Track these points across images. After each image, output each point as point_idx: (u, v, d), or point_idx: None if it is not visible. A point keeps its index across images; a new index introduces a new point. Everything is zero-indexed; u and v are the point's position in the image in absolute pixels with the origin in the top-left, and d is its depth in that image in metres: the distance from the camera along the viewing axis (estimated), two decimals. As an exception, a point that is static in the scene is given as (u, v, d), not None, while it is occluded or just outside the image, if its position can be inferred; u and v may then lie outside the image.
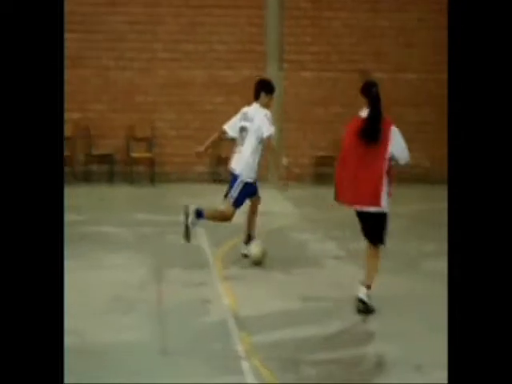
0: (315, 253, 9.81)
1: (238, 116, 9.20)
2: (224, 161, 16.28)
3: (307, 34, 16.58)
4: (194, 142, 16.46)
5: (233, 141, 9.26)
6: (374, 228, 7.19)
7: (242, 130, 9.05)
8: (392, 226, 7.56)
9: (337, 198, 7.26)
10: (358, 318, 7.01)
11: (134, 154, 16.18)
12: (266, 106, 9.13)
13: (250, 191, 9.07)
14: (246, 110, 9.20)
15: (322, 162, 16.51)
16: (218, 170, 16.49)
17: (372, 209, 7.07)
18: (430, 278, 8.52)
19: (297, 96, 16.30)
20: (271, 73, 16.18)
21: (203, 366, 5.76)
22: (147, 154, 16.30)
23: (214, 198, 14.09)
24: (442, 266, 8.80)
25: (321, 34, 16.60)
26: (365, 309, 7.15)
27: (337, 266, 9.14)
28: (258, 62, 16.46)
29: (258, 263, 8.99)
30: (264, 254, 9.02)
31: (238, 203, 8.97)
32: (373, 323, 6.92)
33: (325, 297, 7.73)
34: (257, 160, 9.02)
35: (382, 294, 7.58)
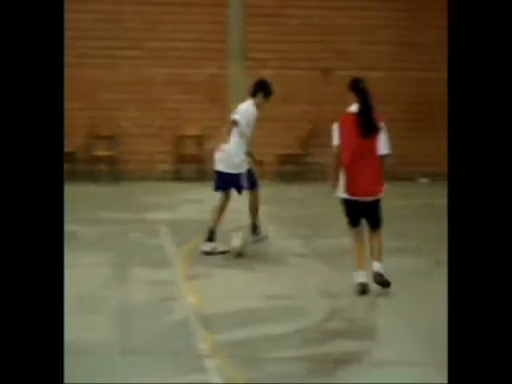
0: (280, 250, 9.83)
1: None
2: (187, 159, 16.33)
3: (268, 32, 16.57)
4: (157, 139, 16.55)
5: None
6: (374, 214, 7.69)
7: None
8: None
9: (347, 191, 7.60)
10: (321, 315, 7.03)
11: (97, 152, 16.07)
12: (258, 106, 9.28)
13: (251, 173, 9.40)
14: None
15: (286, 159, 16.53)
16: (182, 168, 16.46)
17: (376, 197, 7.63)
18: (396, 274, 8.57)
19: (259, 94, 16.25)
20: (233, 71, 16.18)
21: (166, 364, 5.75)
22: (110, 152, 16.20)
23: (179, 195, 14.14)
24: (410, 261, 8.95)
25: (282, 32, 16.60)
26: (382, 281, 7.59)
27: (301, 264, 9.16)
28: (220, 60, 16.43)
29: (239, 255, 9.18)
30: (244, 246, 9.26)
31: (250, 186, 9.35)
32: (337, 320, 6.95)
33: (289, 294, 7.74)
34: (242, 150, 9.25)
35: (347, 291, 7.64)
